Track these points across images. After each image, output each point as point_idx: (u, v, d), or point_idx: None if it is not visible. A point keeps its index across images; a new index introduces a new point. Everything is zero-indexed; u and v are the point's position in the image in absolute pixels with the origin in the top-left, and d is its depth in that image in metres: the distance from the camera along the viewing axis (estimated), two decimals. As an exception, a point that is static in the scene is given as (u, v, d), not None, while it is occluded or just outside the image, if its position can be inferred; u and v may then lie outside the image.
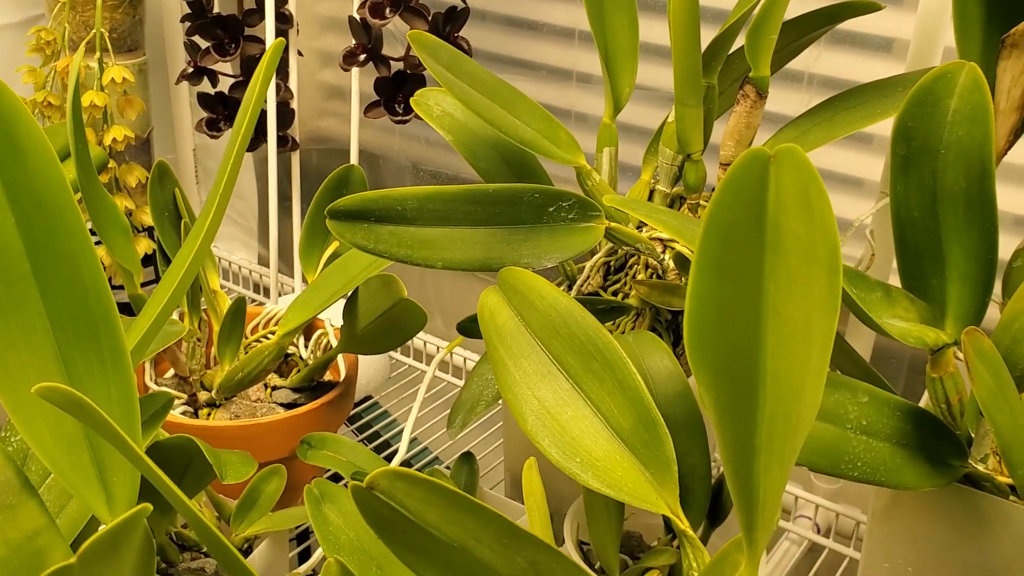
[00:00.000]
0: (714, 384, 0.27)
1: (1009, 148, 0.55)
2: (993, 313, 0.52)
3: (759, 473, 0.29)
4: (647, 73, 0.78)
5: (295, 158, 1.02)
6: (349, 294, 0.69)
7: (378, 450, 0.90)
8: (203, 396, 0.75)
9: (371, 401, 0.99)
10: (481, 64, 0.63)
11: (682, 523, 0.43)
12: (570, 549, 0.58)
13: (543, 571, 0.35)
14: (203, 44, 0.97)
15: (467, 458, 0.65)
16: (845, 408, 0.46)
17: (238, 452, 0.55)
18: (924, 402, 0.54)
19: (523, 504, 0.52)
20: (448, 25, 0.81)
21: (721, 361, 0.27)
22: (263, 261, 1.24)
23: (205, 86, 1.00)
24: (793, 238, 0.24)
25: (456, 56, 0.62)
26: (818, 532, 0.82)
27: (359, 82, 0.93)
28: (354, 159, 0.96)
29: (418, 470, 0.76)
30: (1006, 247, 0.55)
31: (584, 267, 0.76)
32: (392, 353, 1.04)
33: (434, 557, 0.33)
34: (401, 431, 0.95)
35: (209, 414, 0.74)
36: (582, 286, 0.76)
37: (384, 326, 0.65)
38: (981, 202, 0.44)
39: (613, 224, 0.61)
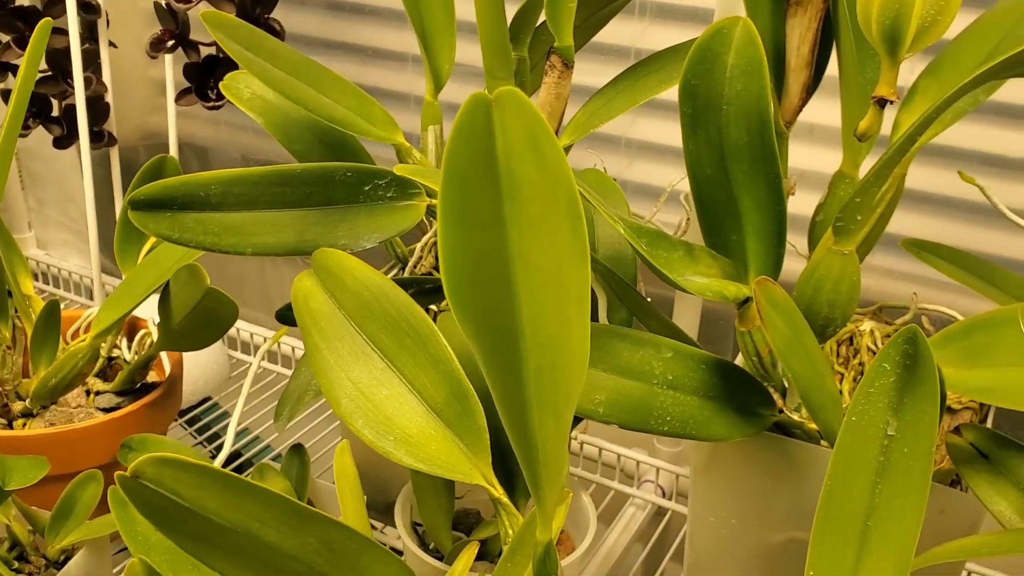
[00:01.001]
0: (477, 336, 0.27)
1: (803, 105, 0.57)
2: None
3: (535, 427, 0.29)
4: (472, 51, 0.78)
5: (114, 154, 0.98)
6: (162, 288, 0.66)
7: (218, 451, 0.87)
8: (17, 407, 0.71)
9: (211, 402, 0.96)
10: (306, 49, 0.62)
11: (496, 491, 0.42)
12: (402, 531, 0.57)
13: (337, 549, 0.34)
14: (3, 38, 0.92)
15: (297, 450, 0.63)
16: (650, 364, 0.47)
17: (29, 457, 0.52)
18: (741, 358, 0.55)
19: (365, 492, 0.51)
20: (258, 7, 0.78)
21: (480, 313, 0.26)
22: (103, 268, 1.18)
23: (9, 83, 0.94)
24: (529, 185, 0.24)
25: (256, 35, 0.60)
26: (663, 495, 0.84)
27: (173, 71, 0.89)
28: (172, 150, 0.92)
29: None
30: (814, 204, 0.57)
31: (415, 248, 0.75)
32: (231, 352, 1.01)
33: (219, 544, 0.32)
34: (242, 430, 0.92)
35: (25, 424, 0.70)
36: (415, 267, 0.75)
37: (199, 319, 0.63)
38: (764, 155, 0.46)
39: (435, 201, 0.60)
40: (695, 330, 0.85)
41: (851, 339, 0.60)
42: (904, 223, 0.81)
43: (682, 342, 0.49)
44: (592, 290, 0.57)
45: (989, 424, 0.54)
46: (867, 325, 0.59)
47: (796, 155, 0.77)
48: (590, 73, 0.72)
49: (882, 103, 0.48)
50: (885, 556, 0.33)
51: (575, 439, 0.84)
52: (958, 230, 0.78)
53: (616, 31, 0.89)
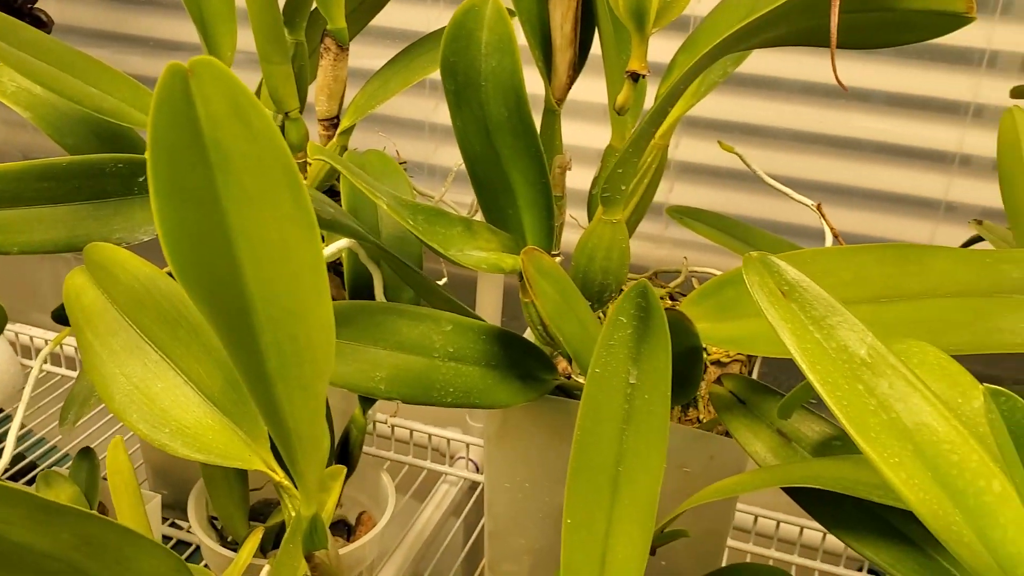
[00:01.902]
0: (210, 314, 0.27)
1: (571, 82, 0.59)
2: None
3: (282, 402, 0.29)
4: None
5: None
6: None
7: (14, 461, 0.83)
8: None
9: (3, 414, 0.91)
10: (87, 40, 0.59)
11: (276, 475, 0.42)
12: (195, 525, 0.56)
13: (96, 543, 0.33)
14: None
15: (86, 454, 0.61)
16: (430, 339, 0.48)
17: None
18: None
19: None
20: (23, -3, 0.75)
21: (208, 290, 0.26)
22: None
23: None
24: (240, 156, 0.24)
25: (11, 25, 0.57)
26: (476, 470, 0.85)
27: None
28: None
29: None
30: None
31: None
32: (24, 360, 0.96)
33: (-40, 550, 0.31)
34: (37, 440, 0.88)
35: None
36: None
37: (-33, 325, 0.60)
38: (524, 130, 0.47)
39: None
40: (498, 306, 0.87)
41: (631, 304, 0.63)
42: (679, 193, 0.86)
43: (464, 316, 0.50)
44: (367, 269, 0.58)
45: (755, 375, 0.58)
46: (645, 290, 0.62)
47: (576, 132, 0.80)
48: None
49: (635, 77, 0.50)
50: (635, 497, 0.35)
51: (385, 423, 0.84)
52: (727, 196, 0.83)
53: (410, 16, 0.90)
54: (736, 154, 0.64)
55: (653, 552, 0.50)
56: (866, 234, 0.80)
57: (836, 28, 0.45)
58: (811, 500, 0.42)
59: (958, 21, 0.45)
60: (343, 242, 0.54)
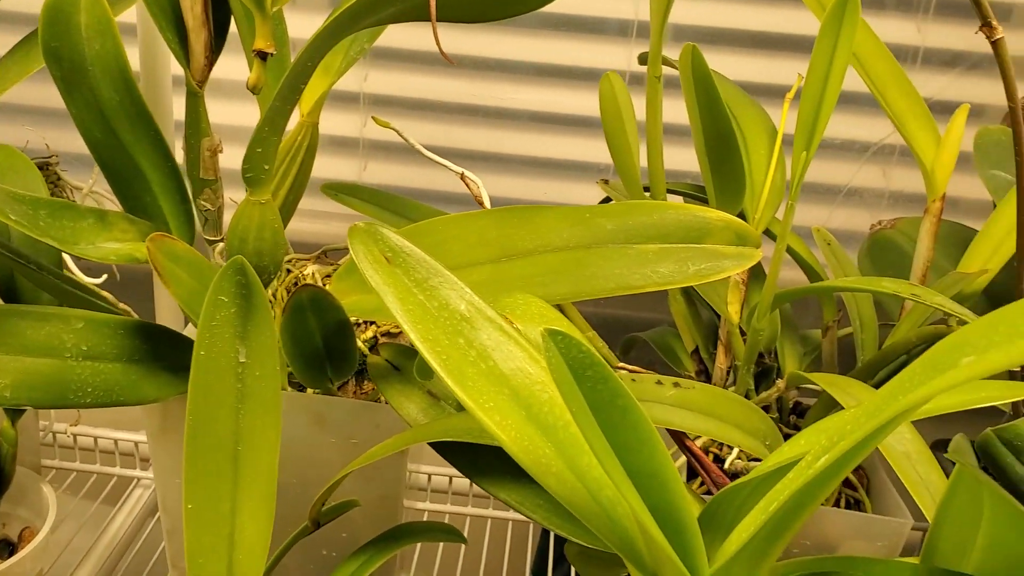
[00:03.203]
0: None
1: (210, 63, 0.58)
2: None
3: None
4: None
5: None
6: None
7: None
8: None
9: None
10: None
11: None
12: None
13: None
14: None
15: None
16: (60, 338, 0.46)
17: None
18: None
19: None
20: None
21: None
22: None
23: None
24: None
25: None
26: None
27: None
28: None
29: None
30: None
31: None
32: None
33: None
34: None
35: None
36: None
37: None
38: (137, 113, 0.46)
39: None
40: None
41: (297, 283, 0.63)
42: (372, 171, 0.87)
43: (103, 312, 0.48)
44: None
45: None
46: (311, 268, 0.63)
47: (233, 113, 0.79)
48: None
49: (263, 56, 0.50)
50: (257, 474, 0.36)
51: (65, 432, 0.80)
52: (418, 172, 0.85)
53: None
54: (393, 129, 0.65)
55: (318, 525, 0.51)
56: (530, 198, 0.85)
57: (435, 4, 0.47)
58: (451, 451, 0.45)
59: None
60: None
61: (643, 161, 0.61)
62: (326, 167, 0.86)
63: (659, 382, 0.44)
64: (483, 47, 0.82)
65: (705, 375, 0.66)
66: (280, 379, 0.37)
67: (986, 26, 0.53)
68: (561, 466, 0.35)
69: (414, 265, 0.37)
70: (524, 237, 0.46)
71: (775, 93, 0.80)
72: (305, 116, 0.60)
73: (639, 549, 0.34)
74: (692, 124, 0.56)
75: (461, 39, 0.82)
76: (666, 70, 0.58)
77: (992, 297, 0.60)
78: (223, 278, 0.38)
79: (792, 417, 0.65)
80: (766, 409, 0.58)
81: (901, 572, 0.31)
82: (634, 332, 0.75)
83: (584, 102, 0.83)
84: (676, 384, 0.44)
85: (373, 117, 0.65)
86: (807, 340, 0.68)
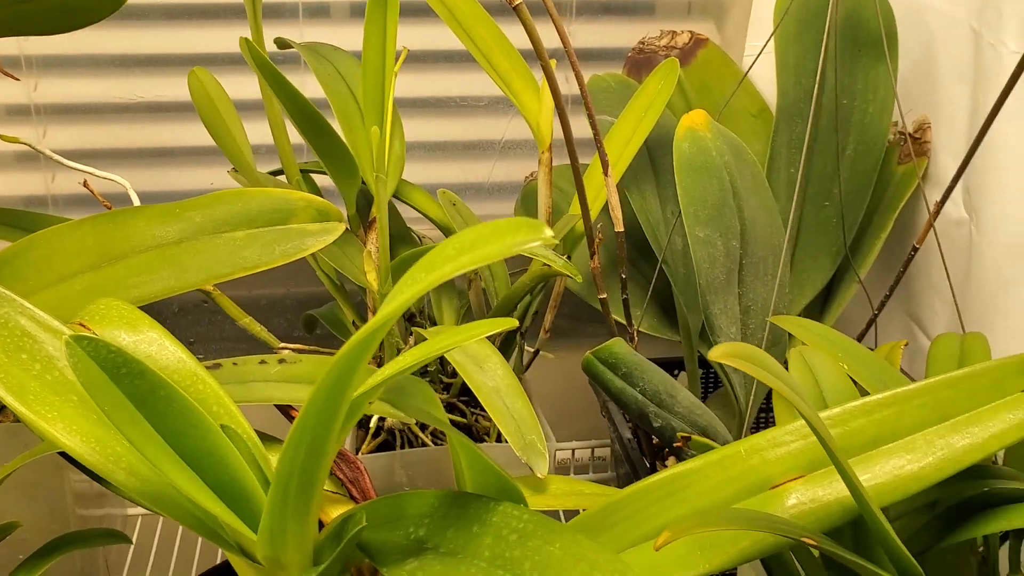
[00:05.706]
0: None
1: None
2: None
3: None
4: None
5: None
6: None
7: None
8: None
9: None
10: None
11: None
12: None
13: None
14: None
15: None
16: None
17: None
18: None
19: None
20: None
21: None
22: None
23: None
24: None
25: None
26: None
27: None
28: None
29: None
30: None
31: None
32: None
33: None
34: None
35: None
36: None
37: None
38: None
39: None
40: None
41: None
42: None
43: None
44: None
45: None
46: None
47: None
48: None
49: None
50: None
51: None
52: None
53: None
54: (23, 143, 0.64)
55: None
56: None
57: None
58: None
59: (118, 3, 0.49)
60: None
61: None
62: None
63: (263, 361, 0.47)
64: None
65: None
66: None
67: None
68: (132, 460, 0.37)
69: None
70: (119, 240, 0.47)
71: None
72: None
73: (213, 526, 0.37)
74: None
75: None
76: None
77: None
78: None
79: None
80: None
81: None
82: (313, 309, 0.77)
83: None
84: (281, 360, 0.48)
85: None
86: (464, 295, 0.73)
